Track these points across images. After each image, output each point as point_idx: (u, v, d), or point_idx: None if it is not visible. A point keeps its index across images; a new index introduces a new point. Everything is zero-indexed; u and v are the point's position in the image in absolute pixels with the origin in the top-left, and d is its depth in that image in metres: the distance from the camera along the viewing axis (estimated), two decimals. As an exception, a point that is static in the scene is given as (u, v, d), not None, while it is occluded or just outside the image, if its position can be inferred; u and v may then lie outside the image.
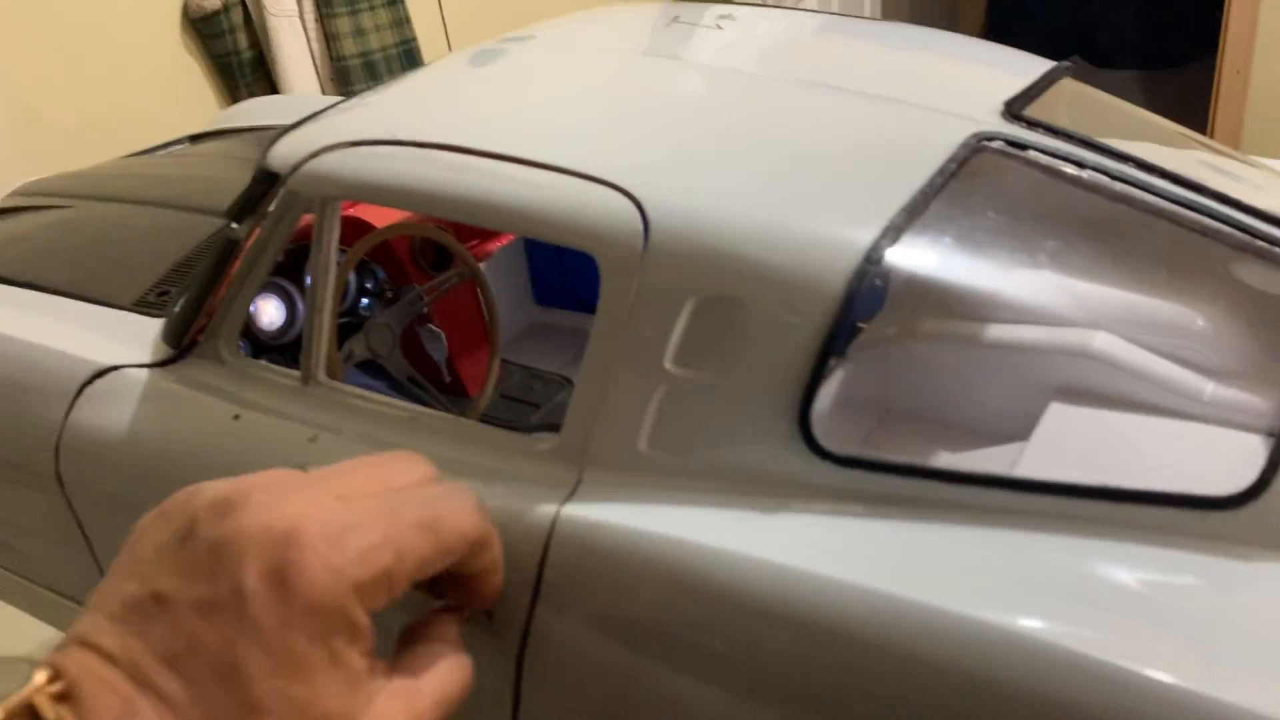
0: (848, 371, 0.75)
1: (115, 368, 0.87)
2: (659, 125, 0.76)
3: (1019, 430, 0.74)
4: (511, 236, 1.21)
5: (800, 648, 0.57)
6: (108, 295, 0.99)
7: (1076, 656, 0.51)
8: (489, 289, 0.99)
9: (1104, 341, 0.77)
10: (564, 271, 1.40)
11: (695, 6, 1.05)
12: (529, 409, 1.11)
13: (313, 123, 0.84)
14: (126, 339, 0.92)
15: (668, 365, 0.66)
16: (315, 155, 0.78)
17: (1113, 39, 3.40)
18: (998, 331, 0.80)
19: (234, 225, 0.83)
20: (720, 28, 0.95)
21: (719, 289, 0.64)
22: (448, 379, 1.06)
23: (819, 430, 0.64)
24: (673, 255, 0.65)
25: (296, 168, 0.78)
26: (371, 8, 2.40)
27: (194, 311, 0.87)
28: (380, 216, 1.08)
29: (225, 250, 0.84)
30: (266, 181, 0.80)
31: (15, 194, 1.34)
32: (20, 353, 0.90)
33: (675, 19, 1.00)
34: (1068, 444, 0.73)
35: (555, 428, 1.10)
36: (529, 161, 0.71)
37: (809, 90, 0.81)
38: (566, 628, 0.65)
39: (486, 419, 1.03)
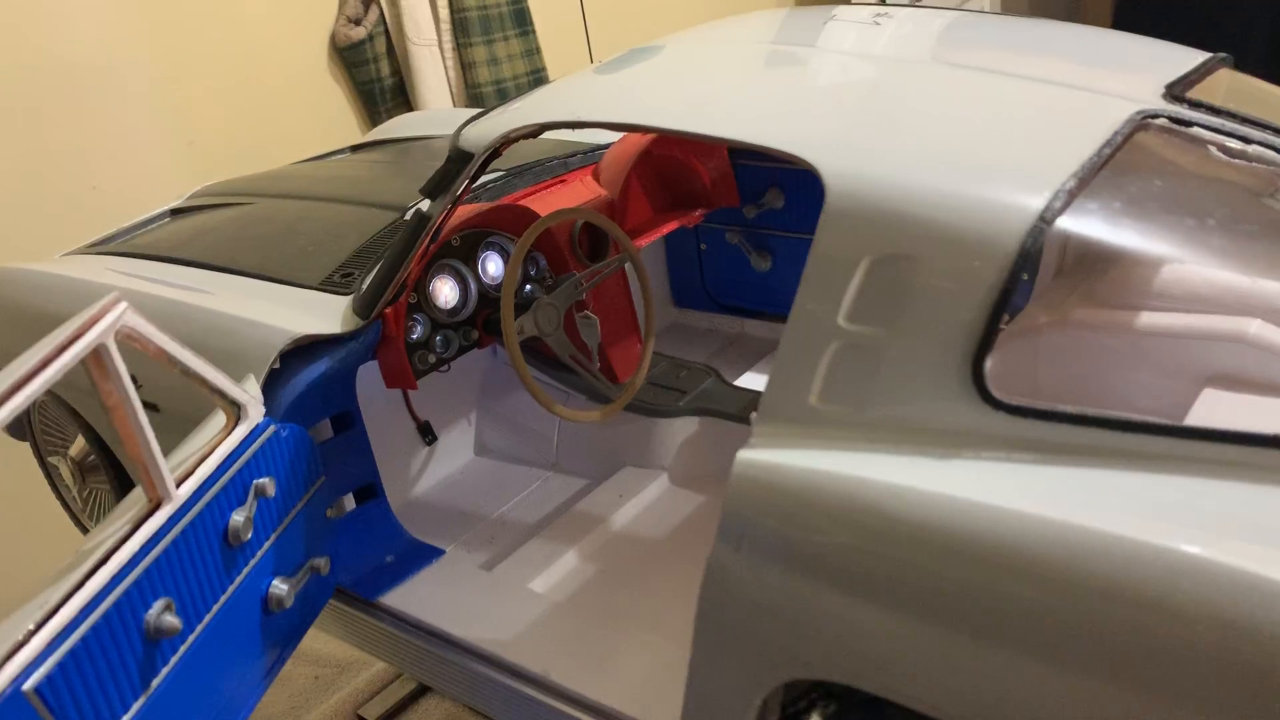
0: (1014, 337, 0.78)
1: (308, 336, 0.95)
2: (832, 105, 0.81)
3: (1172, 416, 0.76)
4: (656, 235, 1.27)
5: (981, 578, 0.60)
6: (295, 277, 1.07)
7: (1255, 579, 0.53)
8: (646, 273, 1.04)
9: (1259, 328, 0.78)
10: (701, 275, 1.45)
11: (849, 7, 1.11)
12: (675, 394, 1.16)
13: (501, 110, 0.91)
14: (316, 312, 1.00)
15: (841, 322, 0.70)
16: (507, 137, 0.85)
17: (1241, 40, 3.32)
18: (1152, 318, 0.82)
19: (427, 202, 0.90)
20: (878, 24, 1.00)
21: (894, 248, 0.68)
22: (598, 364, 1.12)
23: (992, 382, 0.67)
24: (848, 217, 0.70)
25: (490, 149, 0.85)
26: (505, 38, 2.52)
27: (385, 284, 0.95)
28: (544, 207, 1.15)
29: (417, 226, 0.91)
30: (460, 161, 0.87)
31: (195, 195, 1.45)
32: (225, 324, 0.98)
33: (832, 17, 1.05)
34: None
35: (702, 412, 1.15)
36: (709, 137, 0.76)
37: (975, 74, 0.84)
38: (743, 561, 0.68)
39: (636, 403, 1.09)
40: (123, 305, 0.65)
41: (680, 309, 1.50)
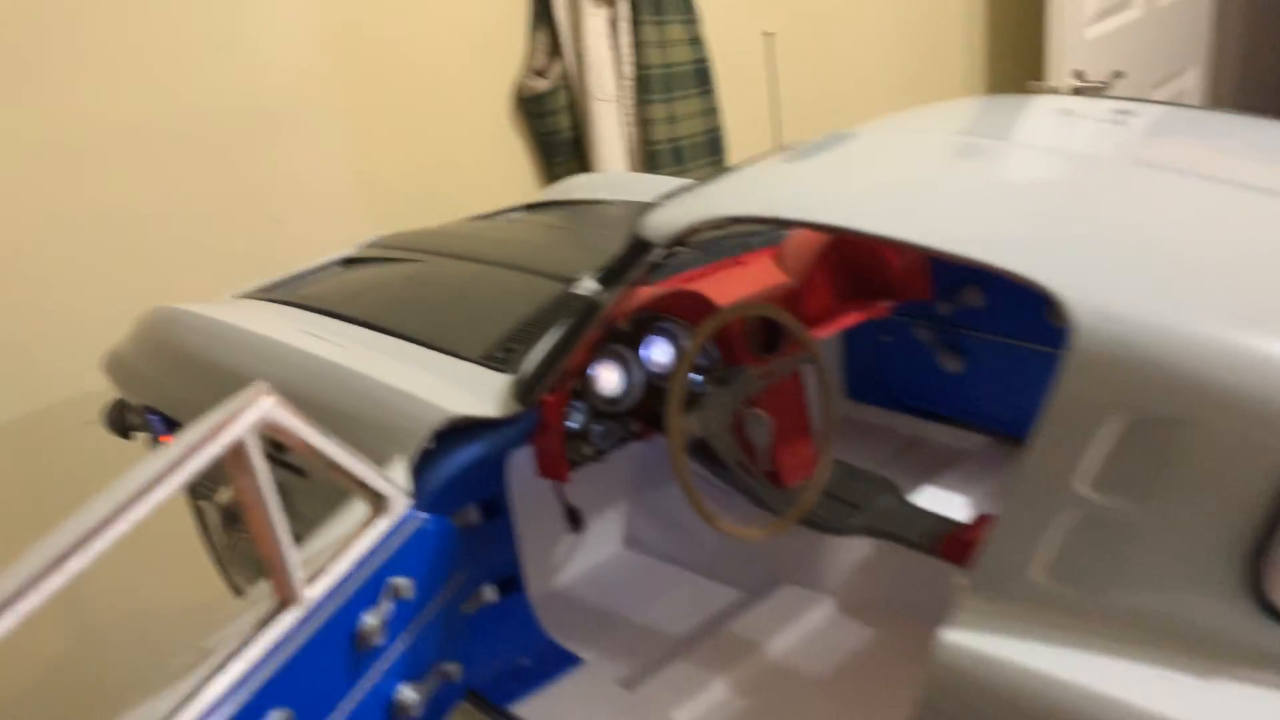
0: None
1: (465, 417, 0.89)
2: (1078, 221, 0.70)
3: None
4: (837, 327, 1.17)
5: None
6: (456, 346, 1.02)
7: None
8: (829, 379, 0.94)
9: None
10: (881, 367, 1.33)
11: (1082, 99, 0.99)
12: (847, 509, 1.05)
13: (687, 196, 0.83)
14: (475, 389, 0.94)
15: (1084, 488, 0.59)
16: (694, 228, 0.77)
17: None
18: None
19: (599, 289, 0.83)
20: (1120, 123, 0.87)
21: (1159, 408, 0.56)
22: (764, 469, 1.02)
23: (1273, 587, 0.54)
24: (1103, 365, 0.58)
25: (674, 239, 0.77)
26: (685, 96, 2.47)
27: (546, 370, 0.88)
28: (722, 293, 1.06)
29: (586, 313, 0.84)
30: (639, 250, 0.80)
31: (368, 246, 1.43)
32: (382, 395, 0.93)
33: (1064, 110, 0.93)
34: None
35: (875, 532, 1.04)
36: (930, 249, 0.66)
37: (1243, 193, 0.71)
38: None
39: (804, 514, 0.98)
40: (267, 401, 0.60)
41: (854, 402, 1.38)
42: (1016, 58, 3.51)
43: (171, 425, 1.19)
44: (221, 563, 1.28)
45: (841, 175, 0.82)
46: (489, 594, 0.93)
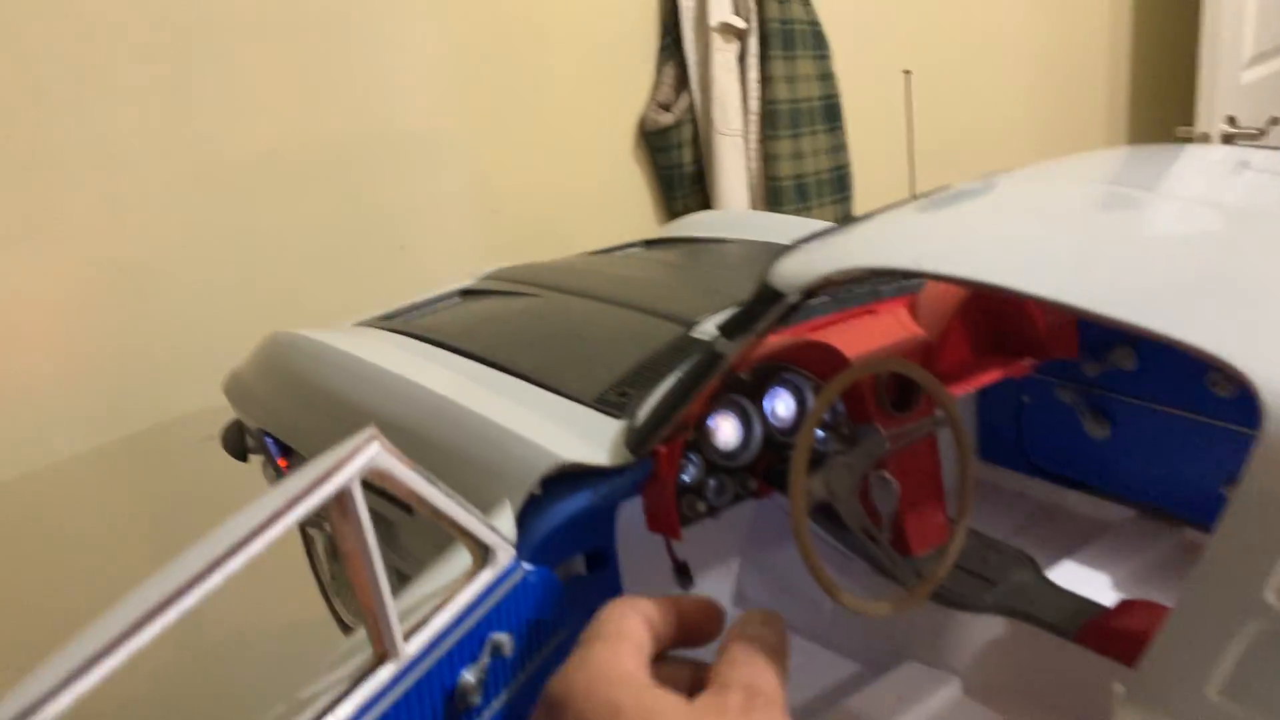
0: None
1: (574, 465, 0.85)
2: (1255, 285, 0.62)
3: None
4: (974, 385, 1.09)
5: None
6: (570, 388, 0.99)
7: None
8: (968, 441, 0.87)
9: None
10: (1019, 430, 1.25)
11: (1244, 149, 0.90)
12: (980, 584, 0.97)
13: (818, 245, 0.78)
14: (587, 434, 0.90)
15: (1273, 598, 0.51)
16: (828, 280, 0.72)
17: None
18: None
19: (724, 340, 0.78)
20: (1302, 177, 0.79)
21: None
22: (889, 536, 0.95)
23: None
24: (1301, 457, 0.51)
25: (806, 291, 0.72)
26: (813, 133, 2.42)
27: (661, 421, 0.84)
28: (852, 345, 1.01)
29: (707, 364, 0.80)
30: (768, 301, 0.75)
31: (486, 278, 1.42)
32: (493, 435, 0.90)
33: (1243, 164, 0.85)
34: None
35: (1012, 612, 0.96)
36: (1095, 315, 0.59)
37: None
38: None
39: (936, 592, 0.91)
40: (374, 447, 0.57)
41: (987, 464, 1.30)
42: (1164, 102, 3.34)
43: (286, 450, 1.19)
44: (327, 591, 1.27)
45: (987, 227, 0.76)
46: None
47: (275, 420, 1.17)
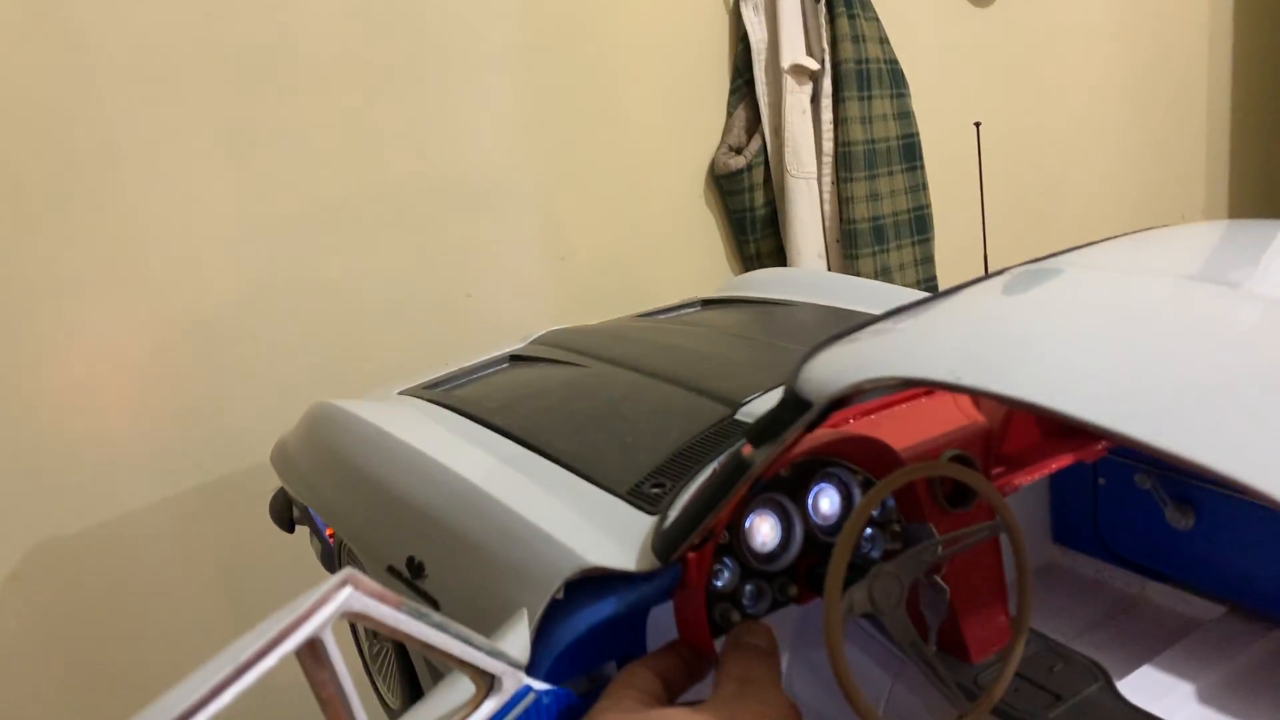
0: None
1: (597, 569, 0.80)
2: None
3: None
4: (1042, 472, 1.01)
5: None
6: (605, 477, 0.94)
7: None
8: (1025, 552, 0.80)
9: None
10: (1095, 515, 1.16)
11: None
12: (1045, 697, 0.89)
13: (854, 344, 0.72)
14: (616, 532, 0.86)
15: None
16: (859, 388, 0.66)
17: None
18: None
19: (751, 448, 0.73)
20: None
21: None
22: (933, 647, 0.87)
23: None
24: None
25: (834, 399, 0.66)
26: (890, 173, 2.34)
27: (690, 528, 0.78)
28: (903, 435, 0.94)
29: (734, 473, 0.74)
30: (796, 410, 0.69)
31: (536, 342, 1.39)
32: (517, 529, 0.87)
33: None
34: None
35: (1078, 733, 0.87)
36: (1161, 451, 0.52)
37: None
38: None
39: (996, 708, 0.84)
40: (345, 593, 0.54)
41: (1061, 548, 1.21)
42: (1270, 156, 3.16)
43: (324, 527, 1.18)
44: (368, 669, 1.25)
45: (1038, 331, 0.69)
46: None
47: (313, 495, 1.16)
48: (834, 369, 0.68)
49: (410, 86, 1.88)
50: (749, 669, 0.68)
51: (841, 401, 0.68)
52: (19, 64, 1.54)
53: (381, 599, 0.56)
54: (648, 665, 0.74)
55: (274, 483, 1.33)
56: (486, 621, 0.87)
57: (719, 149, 2.30)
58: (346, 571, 0.54)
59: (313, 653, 0.54)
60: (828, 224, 2.32)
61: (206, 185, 1.72)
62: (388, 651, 1.19)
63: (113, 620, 1.74)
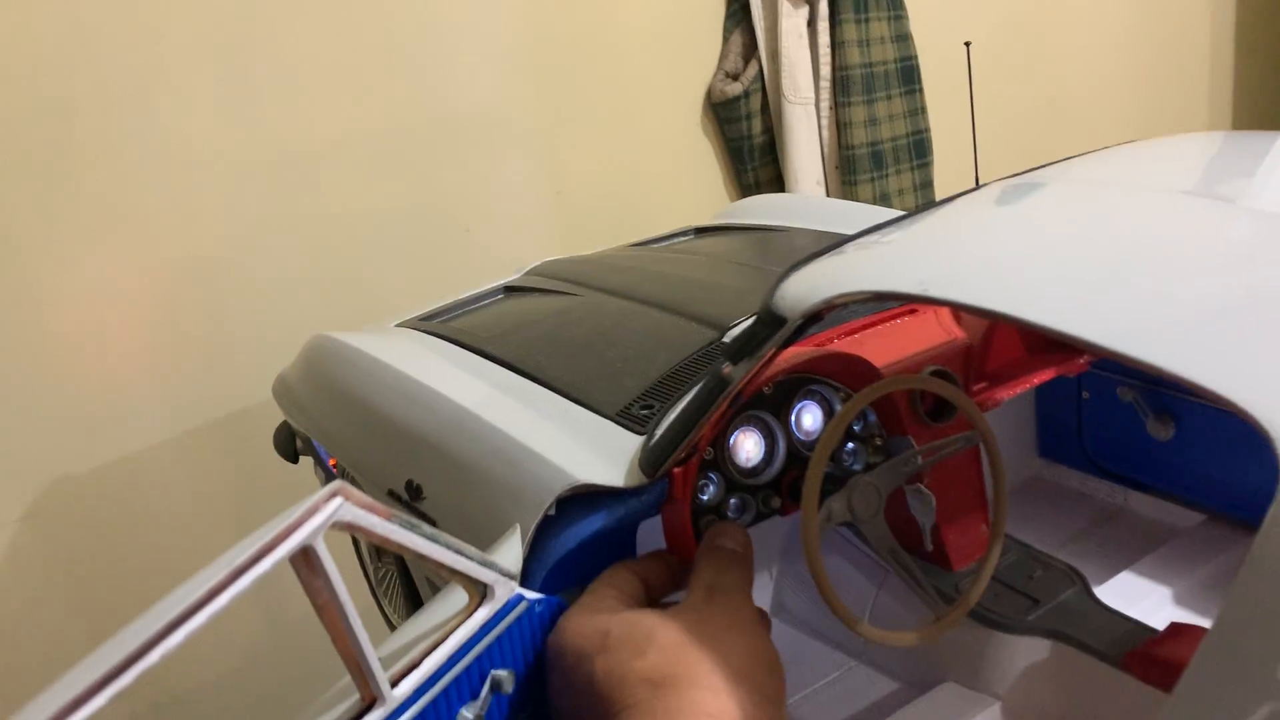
0: None
1: (587, 486, 0.83)
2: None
3: None
4: (1025, 386, 1.03)
5: None
6: (595, 400, 0.97)
7: None
8: (1000, 463, 0.82)
9: None
10: (1079, 428, 1.18)
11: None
12: (1024, 602, 0.92)
13: (827, 262, 0.74)
14: (606, 451, 0.88)
15: (1287, 679, 0.46)
16: (829, 303, 0.68)
17: None
18: None
19: (730, 365, 0.75)
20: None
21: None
22: (929, 547, 0.91)
23: None
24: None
25: (808, 315, 0.68)
26: (888, 97, 2.33)
27: (674, 444, 0.81)
28: (884, 353, 0.96)
29: (715, 389, 0.77)
30: (771, 325, 0.71)
31: (531, 272, 1.41)
32: (511, 452, 0.89)
33: (1306, 158, 0.77)
34: None
35: (1056, 634, 0.91)
36: (1119, 355, 0.54)
37: None
38: None
39: (975, 609, 0.87)
40: (335, 503, 0.56)
41: (1046, 461, 1.23)
42: (1272, 47, 3.11)
43: (327, 455, 1.21)
44: (374, 592, 1.29)
45: (1015, 244, 0.70)
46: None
47: (314, 425, 1.19)
48: (808, 286, 0.70)
49: (400, 20, 1.87)
50: (719, 576, 0.71)
51: (816, 317, 0.70)
52: (5, 11, 1.54)
53: (371, 510, 0.59)
54: (631, 568, 0.77)
55: (278, 416, 1.36)
56: (483, 540, 0.90)
57: (715, 76, 2.28)
58: (336, 484, 0.57)
59: (307, 560, 0.57)
60: (826, 150, 2.31)
61: (202, 125, 1.72)
62: (392, 575, 1.23)
63: (128, 555, 1.79)
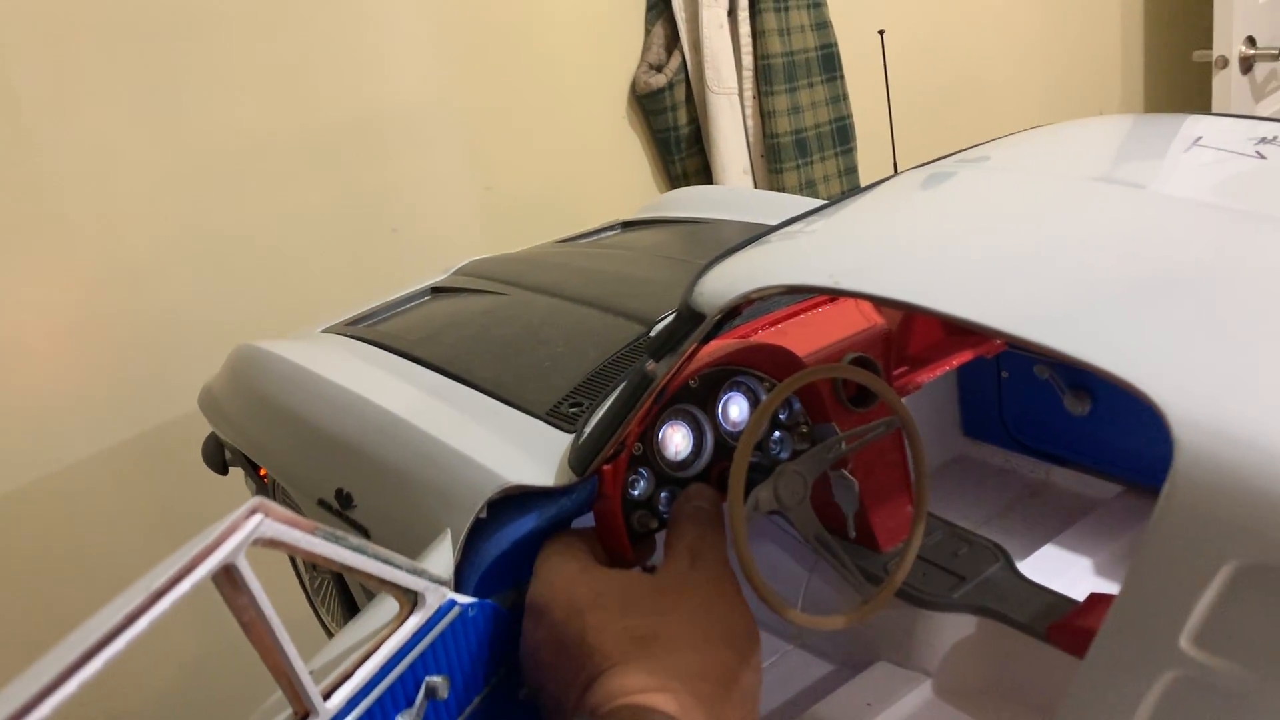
0: None
1: (518, 487, 0.83)
2: (1200, 301, 0.58)
3: None
4: (943, 368, 1.06)
5: None
6: (524, 400, 0.97)
7: None
8: (920, 447, 0.84)
9: None
10: (1000, 407, 1.21)
11: (1224, 123, 0.84)
12: (950, 579, 0.95)
13: (743, 257, 0.75)
14: (536, 451, 0.89)
15: (1188, 646, 0.48)
16: (746, 298, 0.69)
17: None
18: None
19: (654, 362, 0.76)
20: (1263, 156, 0.74)
21: (1282, 561, 0.45)
22: (852, 534, 0.93)
23: None
24: (1214, 493, 0.47)
25: (725, 310, 0.69)
26: (810, 84, 2.35)
27: (601, 442, 0.82)
28: (805, 342, 0.98)
29: (640, 387, 0.77)
30: (691, 322, 0.72)
31: (458, 272, 1.40)
32: (441, 456, 0.89)
33: (1196, 141, 0.80)
34: None
35: (981, 611, 0.93)
36: (1013, 338, 0.56)
37: None
38: None
39: (900, 586, 0.89)
40: (255, 520, 0.56)
41: (971, 439, 1.26)
42: (1180, 24, 3.21)
43: (256, 466, 1.19)
44: (311, 601, 1.28)
45: (922, 235, 0.72)
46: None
47: (242, 437, 1.17)
48: (725, 282, 0.71)
49: (322, 19, 1.84)
50: (699, 540, 0.74)
51: (734, 312, 0.71)
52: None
53: (294, 524, 0.59)
54: (584, 535, 0.82)
55: (206, 427, 1.34)
56: (416, 546, 0.90)
57: (639, 68, 2.29)
58: (255, 500, 0.57)
59: (229, 579, 0.56)
60: (751, 139, 2.33)
61: (119, 131, 1.68)
62: (328, 583, 1.22)
63: (54, 577, 1.75)
